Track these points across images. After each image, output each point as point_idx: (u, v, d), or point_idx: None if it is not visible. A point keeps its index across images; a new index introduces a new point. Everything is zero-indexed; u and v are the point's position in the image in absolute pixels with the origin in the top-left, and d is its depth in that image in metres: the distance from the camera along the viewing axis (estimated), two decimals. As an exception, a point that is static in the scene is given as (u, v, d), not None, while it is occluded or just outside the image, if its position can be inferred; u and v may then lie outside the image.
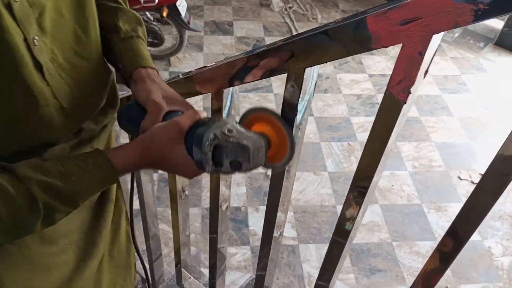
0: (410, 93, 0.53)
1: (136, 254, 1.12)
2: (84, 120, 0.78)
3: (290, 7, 4.09)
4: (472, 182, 2.64)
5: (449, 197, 2.57)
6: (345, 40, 0.56)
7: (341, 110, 3.10)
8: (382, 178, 2.65)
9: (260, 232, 2.44)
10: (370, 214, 2.46)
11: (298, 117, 0.72)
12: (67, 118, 0.71)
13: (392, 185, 2.63)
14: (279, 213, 0.93)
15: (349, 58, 3.54)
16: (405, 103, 0.55)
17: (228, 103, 0.88)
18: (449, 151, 2.82)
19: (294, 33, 3.79)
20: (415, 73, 0.51)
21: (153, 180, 1.37)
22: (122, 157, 0.64)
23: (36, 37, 0.62)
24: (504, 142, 0.49)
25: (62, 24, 0.68)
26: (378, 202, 2.53)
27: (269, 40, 3.73)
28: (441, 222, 2.43)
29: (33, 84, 0.63)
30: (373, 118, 0.61)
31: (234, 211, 2.44)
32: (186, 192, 1.35)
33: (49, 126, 0.69)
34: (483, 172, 0.54)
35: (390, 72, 0.55)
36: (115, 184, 0.93)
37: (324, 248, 2.30)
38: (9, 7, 0.57)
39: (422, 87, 2.99)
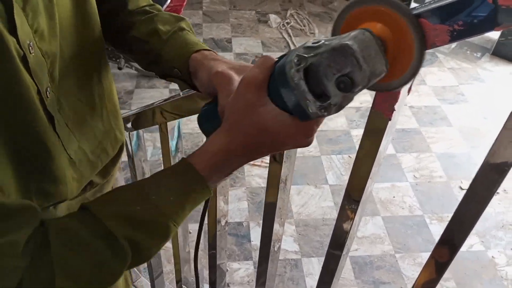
0: (395, 110, 0.55)
1: None
2: (93, 173, 0.74)
3: (287, 23, 4.15)
4: (474, 192, 2.63)
5: (451, 207, 2.56)
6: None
7: (341, 123, 3.12)
8: (383, 190, 2.66)
9: (262, 247, 2.45)
10: (372, 226, 2.46)
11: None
12: (76, 172, 0.68)
13: (394, 197, 2.63)
14: (276, 226, 0.94)
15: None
16: (390, 119, 0.56)
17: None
18: (450, 162, 2.83)
19: (293, 47, 3.84)
20: (398, 91, 0.53)
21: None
22: (203, 154, 0.51)
23: (48, 89, 0.59)
24: (490, 150, 0.50)
25: (68, 72, 0.64)
26: (380, 214, 2.53)
27: (267, 56, 3.77)
28: (443, 233, 2.42)
29: (47, 138, 0.59)
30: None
31: (236, 226, 2.45)
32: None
33: (60, 181, 0.64)
34: None
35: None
36: None
37: (327, 261, 2.30)
38: (24, 60, 0.53)
39: (421, 99, 3.03)
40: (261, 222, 2.46)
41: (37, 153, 0.59)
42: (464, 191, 2.32)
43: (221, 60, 0.61)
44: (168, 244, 2.30)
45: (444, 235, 0.63)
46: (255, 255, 2.32)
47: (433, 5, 0.40)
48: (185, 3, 2.92)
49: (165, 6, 2.83)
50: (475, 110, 3.26)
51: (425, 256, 2.32)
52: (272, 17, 4.22)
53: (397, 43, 0.45)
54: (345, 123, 3.11)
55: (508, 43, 3.72)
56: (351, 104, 3.01)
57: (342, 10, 0.51)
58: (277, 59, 0.50)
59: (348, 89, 0.42)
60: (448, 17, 0.39)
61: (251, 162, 2.85)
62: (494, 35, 3.92)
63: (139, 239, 0.48)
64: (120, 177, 1.56)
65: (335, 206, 2.55)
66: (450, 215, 0.63)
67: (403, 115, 3.20)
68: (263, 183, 2.69)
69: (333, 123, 3.11)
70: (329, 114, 0.45)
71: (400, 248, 2.36)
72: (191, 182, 0.50)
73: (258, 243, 2.39)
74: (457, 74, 3.61)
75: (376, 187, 2.66)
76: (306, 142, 0.50)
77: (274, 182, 0.85)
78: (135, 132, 1.23)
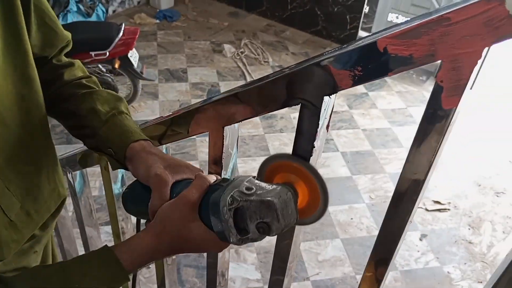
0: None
1: None
2: (34, 229, 0.73)
3: (242, 52, 4.23)
4: (427, 210, 2.73)
5: (406, 226, 2.64)
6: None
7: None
8: (341, 212, 2.71)
9: None
10: (332, 249, 2.49)
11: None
12: (17, 233, 0.67)
13: (352, 218, 2.68)
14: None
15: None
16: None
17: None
18: (402, 181, 2.92)
19: (247, 76, 3.91)
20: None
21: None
22: (131, 252, 0.56)
23: None
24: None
25: (7, 134, 0.63)
26: (339, 236, 2.57)
27: (223, 85, 3.82)
28: (400, 251, 2.48)
29: None
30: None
31: (196, 257, 2.40)
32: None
33: None
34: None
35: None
36: None
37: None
38: None
39: (372, 121, 3.11)
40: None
41: None
42: (418, 209, 2.37)
43: (157, 155, 0.67)
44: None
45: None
46: None
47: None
48: (137, 36, 2.94)
49: (116, 39, 2.83)
50: (423, 130, 3.42)
51: (384, 275, 2.36)
52: (227, 47, 4.30)
53: (308, 191, 0.58)
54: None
55: (449, 66, 3.95)
56: (349, 149, 3.00)
57: (264, 161, 0.62)
58: (214, 182, 0.59)
59: (265, 233, 0.54)
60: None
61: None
62: (437, 59, 4.18)
63: None
64: (67, 216, 1.51)
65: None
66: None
67: (357, 138, 3.31)
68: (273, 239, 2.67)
69: (289, 148, 3.15)
70: (244, 244, 0.57)
71: (360, 269, 2.39)
72: (115, 276, 0.55)
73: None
74: (405, 97, 3.79)
75: (335, 210, 2.71)
76: (217, 251, 0.60)
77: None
78: (78, 172, 1.21)
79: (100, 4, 3.83)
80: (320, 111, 0.53)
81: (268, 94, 0.59)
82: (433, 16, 0.38)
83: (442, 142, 0.45)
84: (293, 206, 0.56)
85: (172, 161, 0.66)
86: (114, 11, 4.81)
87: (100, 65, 3.12)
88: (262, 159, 0.63)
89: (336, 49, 0.44)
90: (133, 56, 3.02)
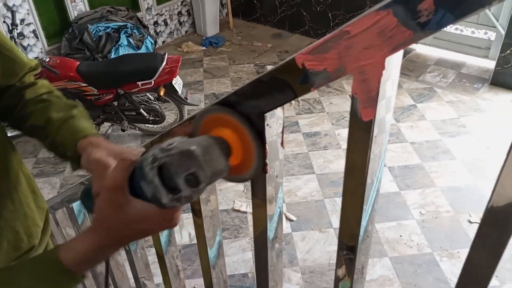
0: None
1: None
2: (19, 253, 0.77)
3: (285, 72, 4.27)
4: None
5: (461, 242, 2.49)
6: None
7: (343, 165, 3.12)
8: (389, 229, 2.61)
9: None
10: (380, 268, 2.40)
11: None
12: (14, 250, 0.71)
13: (401, 236, 2.57)
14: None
15: (346, 114, 3.62)
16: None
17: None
18: (455, 195, 2.78)
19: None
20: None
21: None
22: (73, 251, 0.55)
23: None
24: (492, 195, 0.42)
25: None
26: (388, 254, 2.47)
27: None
28: (455, 270, 2.34)
29: None
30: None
31: (241, 277, 2.42)
32: (178, 265, 1.34)
33: None
34: None
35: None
36: None
37: (335, 308, 2.23)
38: None
39: (421, 134, 3.01)
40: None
41: None
42: (473, 224, 2.23)
43: (103, 146, 0.67)
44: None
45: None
46: (261, 306, 2.28)
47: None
48: (179, 64, 3.07)
49: (160, 68, 2.98)
50: (477, 140, 3.24)
51: (437, 296, 2.23)
52: (270, 68, 4.36)
53: (242, 144, 0.56)
54: (347, 165, 3.12)
55: (506, 71, 3.74)
56: None
57: (199, 114, 0.60)
58: (140, 156, 0.56)
59: (195, 185, 0.51)
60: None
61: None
62: (491, 65, 3.96)
63: None
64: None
65: (341, 250, 2.51)
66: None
67: (405, 152, 3.20)
68: (229, 180, 2.67)
69: (334, 165, 3.12)
70: (182, 204, 0.53)
71: (410, 289, 2.28)
72: (57, 277, 0.54)
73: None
74: (457, 107, 3.62)
75: (382, 227, 2.62)
76: (170, 225, 0.56)
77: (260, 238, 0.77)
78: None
79: (148, 37, 4.06)
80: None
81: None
82: (337, 31, 0.38)
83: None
84: (217, 152, 0.53)
85: (117, 149, 0.66)
86: (163, 42, 5.07)
87: (148, 94, 3.30)
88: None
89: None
90: (177, 83, 3.16)
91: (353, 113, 0.41)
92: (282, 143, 0.55)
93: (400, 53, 0.37)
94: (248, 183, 0.63)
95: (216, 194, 0.77)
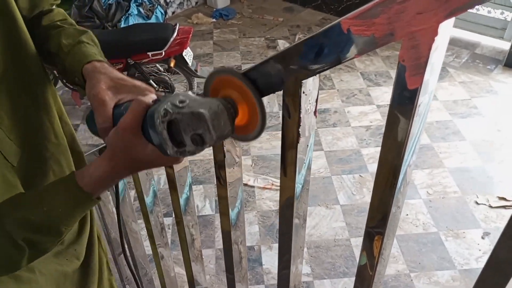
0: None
1: None
2: (36, 176, 0.76)
3: (296, 47, 4.22)
4: (490, 206, 2.57)
5: (466, 223, 2.50)
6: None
7: (351, 142, 3.12)
8: (396, 208, 2.62)
9: (274, 270, 2.43)
10: (385, 245, 2.42)
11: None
12: (20, 178, 0.70)
13: (407, 214, 2.59)
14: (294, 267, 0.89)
15: (356, 91, 3.59)
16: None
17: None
18: (463, 176, 2.77)
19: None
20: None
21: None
22: (90, 177, 0.61)
23: None
24: None
25: (3, 85, 0.66)
26: (393, 232, 2.49)
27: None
28: (460, 250, 2.36)
29: None
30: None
31: (247, 250, 2.45)
32: (194, 236, 1.35)
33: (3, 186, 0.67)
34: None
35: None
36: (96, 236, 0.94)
37: (340, 283, 2.27)
38: None
39: (432, 114, 2.97)
40: (272, 245, 2.46)
41: None
42: (480, 206, 2.23)
43: (106, 74, 0.68)
44: (181, 271, 2.32)
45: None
46: (267, 278, 2.32)
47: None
48: (190, 35, 3.03)
49: (171, 39, 2.94)
50: (488, 122, 3.21)
51: (441, 274, 2.26)
52: (281, 42, 4.31)
53: (248, 107, 0.59)
54: (356, 142, 3.11)
55: (521, 53, 3.67)
56: (361, 123, 3.03)
57: (209, 75, 0.63)
58: (152, 102, 0.60)
59: (200, 144, 0.55)
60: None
61: (262, 185, 2.82)
62: (506, 46, 3.89)
63: (35, 240, 0.59)
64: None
65: (347, 226, 2.53)
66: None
67: (414, 132, 3.18)
68: (273, 206, 2.70)
69: (343, 142, 3.12)
70: (185, 156, 0.58)
71: (414, 267, 2.31)
72: (79, 199, 0.61)
73: (270, 267, 2.39)
74: (469, 88, 3.58)
75: (389, 206, 2.63)
76: (174, 163, 0.64)
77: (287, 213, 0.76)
78: None
79: (159, 7, 4.00)
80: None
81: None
82: (388, -6, 0.37)
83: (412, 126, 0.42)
84: (226, 118, 0.57)
85: (119, 81, 0.68)
86: (173, 13, 5.00)
87: (158, 65, 3.27)
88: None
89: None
90: (188, 55, 3.13)
91: (399, 80, 0.40)
92: (315, 112, 0.55)
93: (452, 19, 0.36)
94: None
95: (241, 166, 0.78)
